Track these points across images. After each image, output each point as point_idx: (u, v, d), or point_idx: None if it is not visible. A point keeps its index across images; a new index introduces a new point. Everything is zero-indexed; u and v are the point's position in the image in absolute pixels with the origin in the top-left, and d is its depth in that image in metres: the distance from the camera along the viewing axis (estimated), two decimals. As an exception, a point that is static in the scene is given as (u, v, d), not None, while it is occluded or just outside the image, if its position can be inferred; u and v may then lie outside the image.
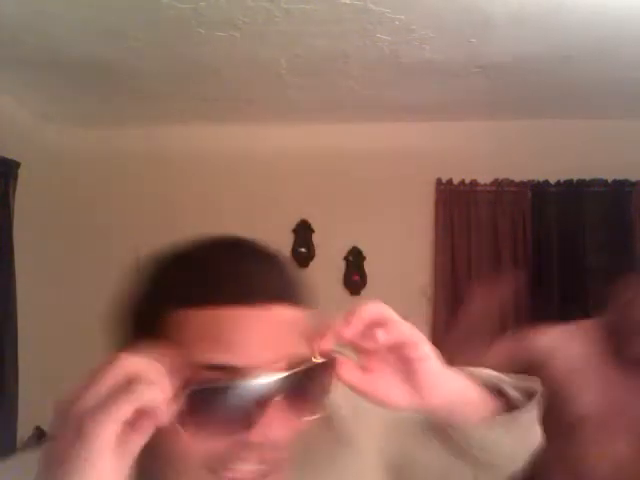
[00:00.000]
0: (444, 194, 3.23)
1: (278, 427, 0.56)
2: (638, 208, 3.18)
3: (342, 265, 3.26)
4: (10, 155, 2.71)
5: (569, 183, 3.21)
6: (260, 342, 0.57)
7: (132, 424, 0.48)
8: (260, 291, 0.59)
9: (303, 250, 3.25)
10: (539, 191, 3.22)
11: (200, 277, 0.59)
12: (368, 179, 3.25)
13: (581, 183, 3.19)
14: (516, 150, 3.20)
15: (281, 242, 3.22)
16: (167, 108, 3.06)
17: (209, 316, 0.57)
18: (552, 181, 3.22)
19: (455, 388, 0.64)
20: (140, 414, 0.48)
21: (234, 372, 0.55)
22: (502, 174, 3.22)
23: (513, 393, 0.72)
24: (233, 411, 0.55)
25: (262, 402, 0.55)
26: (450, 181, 3.23)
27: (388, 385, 0.61)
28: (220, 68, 2.52)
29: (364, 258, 3.26)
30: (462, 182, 3.24)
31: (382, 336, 0.58)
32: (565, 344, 1.62)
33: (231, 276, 0.59)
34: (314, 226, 3.28)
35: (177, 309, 0.57)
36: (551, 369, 1.57)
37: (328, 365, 0.59)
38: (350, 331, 0.57)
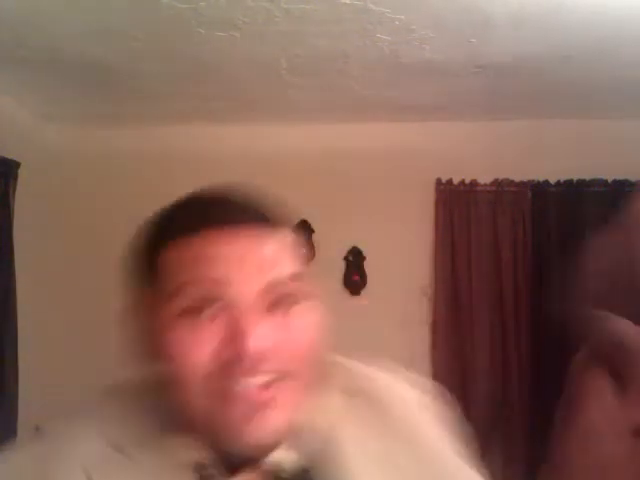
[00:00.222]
0: (444, 194, 3.23)
1: (264, 334, 0.57)
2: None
3: (342, 265, 3.26)
4: (10, 155, 2.70)
5: (569, 183, 3.21)
6: (248, 260, 0.59)
7: None
8: (245, 212, 0.62)
9: (303, 250, 3.25)
10: (539, 191, 3.22)
11: (186, 209, 0.65)
12: (368, 179, 3.24)
13: (581, 183, 3.19)
14: (516, 150, 3.20)
15: (281, 242, 3.22)
16: (167, 108, 3.06)
17: (196, 244, 0.59)
18: (552, 181, 3.22)
19: None
20: None
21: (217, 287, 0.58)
22: (502, 174, 3.22)
23: None
24: (219, 323, 0.57)
25: (243, 309, 0.57)
26: (450, 181, 3.23)
27: None
28: (220, 68, 2.52)
29: (364, 258, 3.26)
30: (462, 182, 3.24)
31: None
32: None
33: (215, 202, 0.64)
34: (314, 226, 3.27)
35: (167, 243, 0.61)
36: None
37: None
38: None
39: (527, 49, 2.34)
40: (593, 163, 3.12)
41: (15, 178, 2.75)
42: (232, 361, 0.57)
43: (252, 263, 0.59)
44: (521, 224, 3.20)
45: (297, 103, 2.98)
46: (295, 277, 0.63)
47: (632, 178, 3.17)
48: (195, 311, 0.57)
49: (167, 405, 0.61)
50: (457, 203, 3.22)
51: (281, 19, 2.06)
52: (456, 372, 3.12)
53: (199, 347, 0.57)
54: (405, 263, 3.21)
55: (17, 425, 2.66)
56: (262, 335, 0.57)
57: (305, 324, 0.62)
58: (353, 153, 3.23)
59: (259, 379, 0.57)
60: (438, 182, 3.24)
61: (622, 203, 1.70)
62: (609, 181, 3.18)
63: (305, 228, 3.28)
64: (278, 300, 0.60)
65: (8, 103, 2.86)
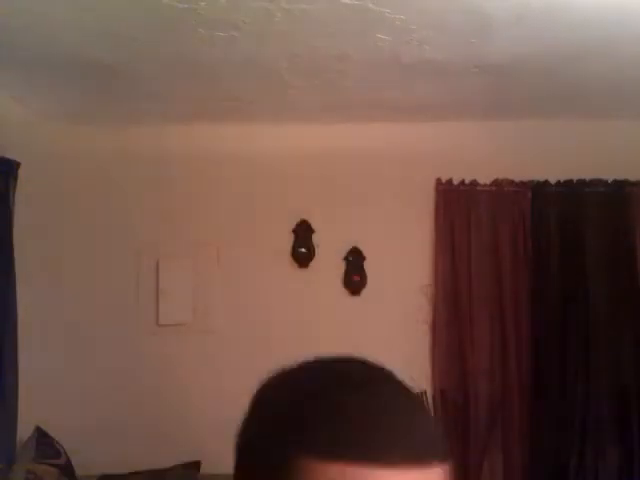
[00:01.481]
0: (444, 194, 3.23)
1: None
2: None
3: (342, 265, 3.26)
4: (10, 155, 2.71)
5: (569, 183, 3.21)
6: None
7: None
8: (427, 447, 0.47)
9: (303, 250, 3.25)
10: (539, 191, 3.22)
11: (346, 425, 0.47)
12: (368, 179, 3.24)
13: (581, 183, 3.19)
14: (516, 150, 3.20)
15: (281, 242, 3.22)
16: (167, 108, 3.06)
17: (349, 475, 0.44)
18: (552, 181, 3.22)
19: None
20: None
21: None
22: (502, 174, 3.22)
23: None
24: None
25: None
26: (450, 181, 3.23)
27: None
28: (220, 68, 2.52)
29: (364, 258, 3.25)
30: (462, 182, 3.23)
31: None
32: None
33: (388, 427, 0.47)
34: (314, 226, 3.27)
35: (308, 457, 0.47)
36: None
37: None
38: None
39: (527, 49, 2.34)
40: (593, 163, 3.12)
41: (15, 178, 2.75)
42: None
43: None
44: (521, 224, 3.20)
45: (297, 103, 2.98)
46: None
47: (632, 178, 3.17)
48: None
49: None
50: (457, 203, 3.22)
51: (281, 19, 2.06)
52: (456, 372, 3.12)
53: None
54: (405, 263, 3.21)
55: (17, 425, 2.66)
56: None
57: None
58: (353, 153, 3.23)
59: None
60: (438, 182, 3.24)
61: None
62: (609, 181, 3.18)
63: (305, 228, 3.29)
64: None
65: (8, 103, 2.86)
